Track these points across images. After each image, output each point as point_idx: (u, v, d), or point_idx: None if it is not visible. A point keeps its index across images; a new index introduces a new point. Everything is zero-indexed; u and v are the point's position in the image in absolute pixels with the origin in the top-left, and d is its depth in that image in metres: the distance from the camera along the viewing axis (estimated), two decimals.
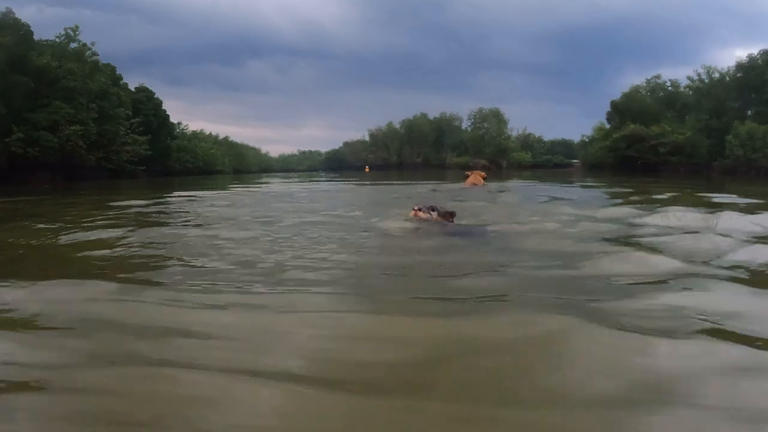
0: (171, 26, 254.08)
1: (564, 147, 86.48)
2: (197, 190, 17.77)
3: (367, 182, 24.61)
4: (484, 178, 16.69)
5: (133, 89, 47.74)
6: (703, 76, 45.40)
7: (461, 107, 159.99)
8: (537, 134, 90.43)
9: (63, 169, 31.94)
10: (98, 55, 38.20)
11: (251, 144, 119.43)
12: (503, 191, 14.23)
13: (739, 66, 41.31)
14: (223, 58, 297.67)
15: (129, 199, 12.13)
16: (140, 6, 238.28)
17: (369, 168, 72.54)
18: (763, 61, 38.82)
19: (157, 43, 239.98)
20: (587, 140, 63.71)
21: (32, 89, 31.29)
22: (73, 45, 36.41)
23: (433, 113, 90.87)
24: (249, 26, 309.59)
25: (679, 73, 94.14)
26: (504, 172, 54.40)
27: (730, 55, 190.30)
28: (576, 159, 68.53)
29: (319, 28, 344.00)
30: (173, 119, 56.57)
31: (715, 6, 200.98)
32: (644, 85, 53.15)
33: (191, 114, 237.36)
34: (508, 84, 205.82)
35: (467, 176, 16.81)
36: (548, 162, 76.63)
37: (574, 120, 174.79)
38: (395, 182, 24.11)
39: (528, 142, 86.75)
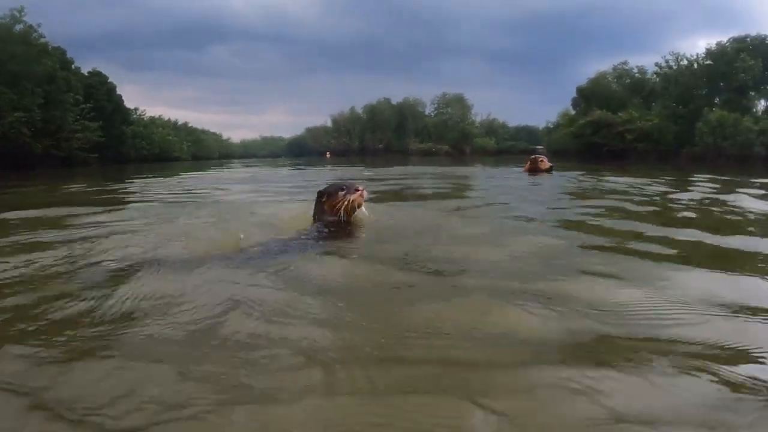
0: (130, 9, 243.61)
1: (528, 133, 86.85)
2: None
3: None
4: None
5: (86, 74, 44.77)
6: (671, 63, 45.77)
7: (424, 93, 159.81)
8: (501, 120, 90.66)
9: (8, 158, 29.00)
10: (45, 37, 35.47)
11: (213, 130, 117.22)
12: None
13: (709, 53, 41.70)
14: (184, 42, 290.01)
15: None
16: None
17: (330, 154, 71.32)
18: (733, 49, 39.33)
19: (116, 26, 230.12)
20: (552, 126, 64.05)
21: None
22: (18, 27, 33.25)
23: (396, 98, 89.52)
24: (209, 9, 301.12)
25: (642, 61, 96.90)
26: (468, 158, 53.95)
27: (692, 44, 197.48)
28: (540, 146, 68.86)
29: (280, 12, 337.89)
30: (134, 104, 54.86)
31: None
32: (611, 71, 53.27)
33: (153, 99, 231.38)
34: (472, 70, 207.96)
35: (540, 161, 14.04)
36: (513, 148, 76.70)
37: (538, 106, 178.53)
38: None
39: (492, 128, 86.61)
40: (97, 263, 3.26)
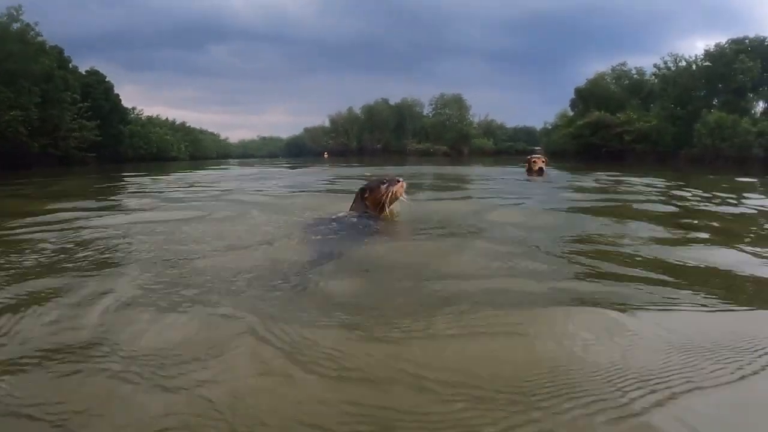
0: (130, 9, 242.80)
1: (526, 134, 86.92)
2: None
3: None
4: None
5: (83, 72, 44.72)
6: (670, 64, 45.84)
7: (424, 93, 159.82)
8: (499, 121, 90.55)
9: (5, 157, 28.88)
10: (42, 35, 35.41)
11: (213, 130, 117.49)
12: None
13: (707, 54, 41.78)
14: (184, 42, 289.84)
15: None
16: None
17: (328, 154, 71.12)
18: (732, 51, 39.41)
19: (115, 26, 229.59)
20: (550, 127, 64.13)
21: None
22: (15, 26, 33.21)
23: (394, 99, 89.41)
24: (209, 9, 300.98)
25: (641, 63, 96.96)
26: (466, 159, 53.94)
27: (692, 44, 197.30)
28: (538, 146, 68.90)
29: (280, 12, 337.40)
30: (134, 104, 54.37)
31: None
32: (609, 72, 53.37)
33: (153, 99, 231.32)
34: (471, 70, 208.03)
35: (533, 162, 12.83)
36: (511, 149, 76.71)
37: (537, 107, 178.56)
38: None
39: (490, 129, 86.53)
40: (170, 247, 3.51)
